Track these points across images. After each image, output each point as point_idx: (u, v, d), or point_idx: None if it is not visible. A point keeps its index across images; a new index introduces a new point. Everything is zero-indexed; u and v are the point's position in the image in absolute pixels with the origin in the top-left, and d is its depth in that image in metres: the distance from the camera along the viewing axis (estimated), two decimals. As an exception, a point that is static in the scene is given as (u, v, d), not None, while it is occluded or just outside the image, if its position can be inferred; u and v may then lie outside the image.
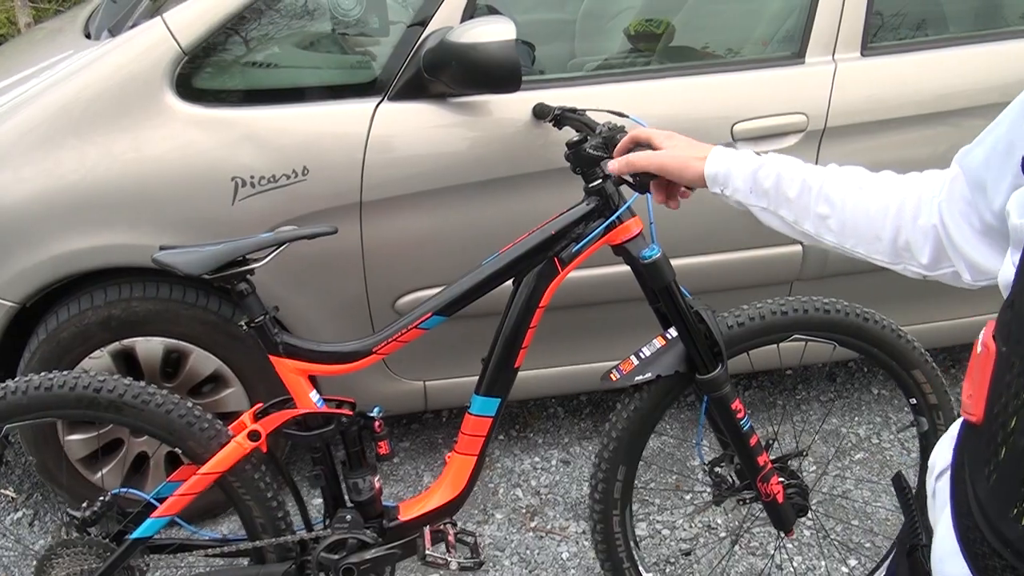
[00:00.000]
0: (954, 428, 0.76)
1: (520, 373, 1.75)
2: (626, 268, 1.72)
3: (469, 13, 2.05)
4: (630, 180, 1.40)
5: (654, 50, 2.34)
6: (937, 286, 2.13)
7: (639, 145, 1.35)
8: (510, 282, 1.70)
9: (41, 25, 3.67)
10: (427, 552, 1.71)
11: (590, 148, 1.60)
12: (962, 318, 2.59)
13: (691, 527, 2.37)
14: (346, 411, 1.68)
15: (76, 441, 2.18)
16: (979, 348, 0.66)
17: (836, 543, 2.30)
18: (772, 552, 2.25)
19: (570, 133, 1.79)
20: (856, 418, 2.80)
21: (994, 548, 0.61)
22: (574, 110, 1.89)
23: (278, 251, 1.61)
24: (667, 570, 2.24)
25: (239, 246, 1.56)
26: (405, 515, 1.76)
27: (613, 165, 1.35)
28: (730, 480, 1.87)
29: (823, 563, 2.24)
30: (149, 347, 2.13)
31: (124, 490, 1.73)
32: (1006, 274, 0.70)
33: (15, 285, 2.02)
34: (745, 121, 2.17)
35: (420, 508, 1.77)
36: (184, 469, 1.70)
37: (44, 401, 1.57)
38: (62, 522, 1.66)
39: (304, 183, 2.03)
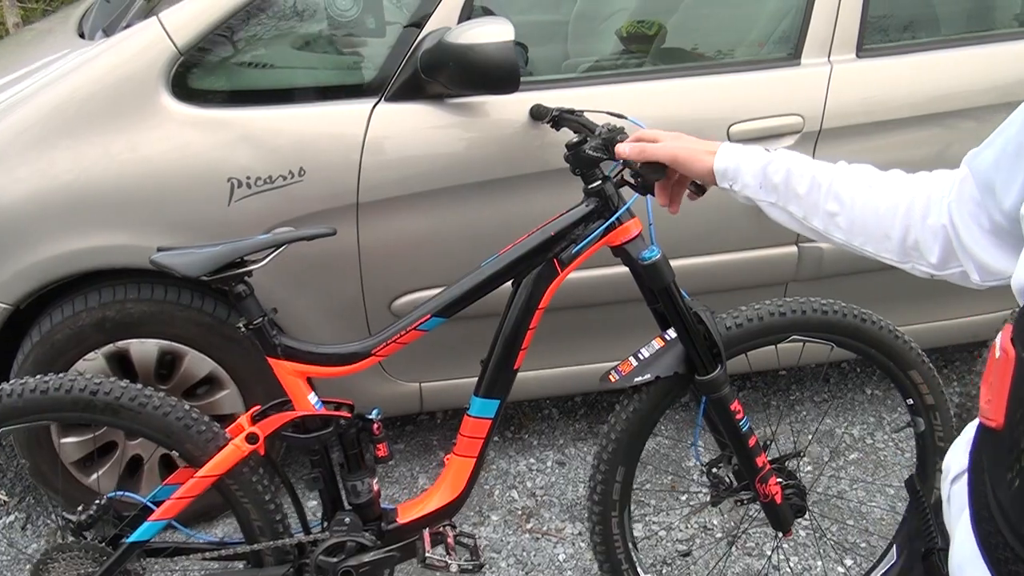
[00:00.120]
0: (968, 431, 0.76)
1: (518, 374, 1.74)
2: (624, 269, 1.72)
3: (466, 14, 2.05)
4: (632, 181, 1.40)
5: (647, 51, 2.34)
6: (931, 287, 2.15)
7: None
8: (509, 283, 1.70)
9: (31, 26, 3.64)
10: (427, 555, 1.71)
11: (589, 149, 1.60)
12: (957, 319, 2.61)
13: (687, 528, 2.37)
14: (345, 413, 1.67)
15: (70, 444, 2.17)
16: (997, 353, 0.66)
17: (832, 543, 2.30)
18: (769, 553, 2.26)
19: (567, 134, 1.79)
20: (850, 418, 2.81)
21: (1017, 553, 0.61)
22: (572, 111, 1.89)
23: (277, 252, 1.60)
24: (664, 571, 2.24)
25: (238, 247, 1.55)
26: (404, 517, 1.76)
27: (625, 149, 1.33)
28: (728, 481, 1.87)
29: (819, 563, 2.24)
30: (143, 349, 2.12)
31: (120, 493, 1.71)
32: (1020, 278, 0.69)
33: (9, 286, 2.00)
34: (741, 123, 2.18)
35: (419, 510, 1.76)
36: (181, 472, 1.68)
37: (40, 404, 1.55)
38: (57, 526, 1.65)
39: (300, 184, 2.02)
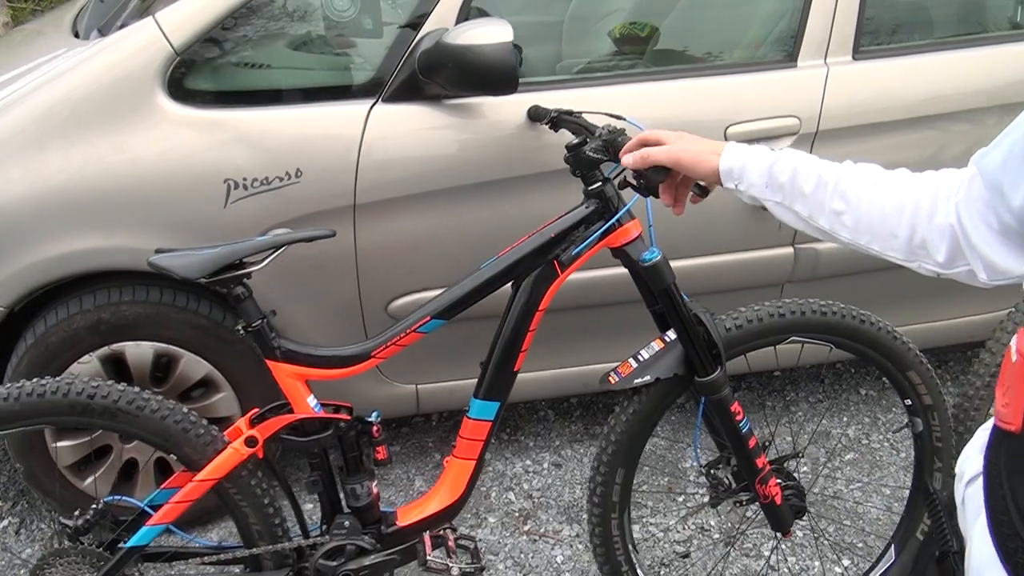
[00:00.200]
0: (981, 434, 0.76)
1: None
2: (621, 270, 1.72)
3: (464, 15, 2.04)
4: (635, 183, 1.40)
5: (641, 53, 2.34)
6: (926, 288, 2.14)
7: (647, 146, 1.34)
8: (509, 285, 1.69)
9: (21, 26, 3.61)
10: (428, 558, 1.70)
11: (590, 151, 1.60)
12: (952, 319, 2.62)
13: (684, 529, 2.37)
14: (344, 416, 1.66)
15: (65, 448, 2.15)
16: (1013, 357, 0.66)
17: (829, 543, 2.31)
18: (768, 553, 2.26)
19: (565, 136, 1.79)
20: (845, 419, 2.82)
21: None
22: (571, 112, 1.89)
23: (276, 254, 1.59)
24: (663, 573, 2.24)
25: (236, 249, 1.54)
26: (403, 520, 1.75)
27: (628, 159, 1.33)
28: (727, 482, 1.87)
29: (817, 563, 2.25)
30: (139, 351, 2.10)
31: (117, 497, 1.69)
32: None
33: (3, 288, 1.98)
34: (738, 124, 2.18)
35: (419, 513, 1.75)
36: (179, 476, 1.67)
37: (37, 408, 1.53)
38: (54, 531, 1.64)
39: (297, 185, 2.01)
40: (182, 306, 2.08)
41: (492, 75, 1.84)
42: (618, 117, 1.79)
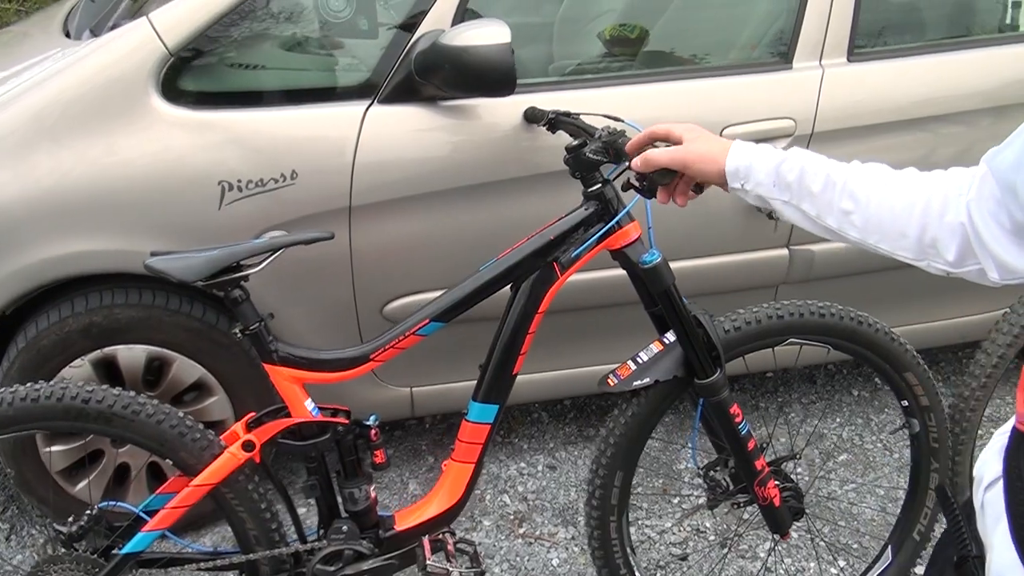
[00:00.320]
0: (998, 438, 0.76)
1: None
2: (619, 271, 1.71)
3: (460, 16, 2.04)
4: (637, 184, 1.39)
5: (632, 55, 2.34)
6: (920, 289, 2.14)
7: (653, 144, 1.33)
8: (508, 288, 1.68)
9: (8, 28, 3.57)
10: (428, 562, 1.68)
11: (590, 152, 1.59)
12: (945, 320, 2.63)
13: (680, 531, 2.36)
14: (342, 420, 1.65)
15: (56, 452, 2.12)
16: None
17: (824, 544, 2.31)
18: (765, 555, 2.26)
19: (562, 137, 1.78)
20: (838, 420, 2.82)
21: None
22: (568, 114, 1.88)
23: (273, 257, 1.57)
24: (659, 575, 2.23)
25: (234, 252, 1.53)
26: (401, 525, 1.74)
27: (637, 162, 1.31)
28: (725, 484, 1.86)
29: (812, 564, 2.25)
30: (131, 355, 2.08)
31: (111, 503, 1.67)
32: None
33: (-6, 292, 1.96)
34: (734, 125, 2.18)
35: (417, 517, 1.74)
36: (174, 481, 1.65)
37: (31, 412, 1.51)
38: (47, 538, 1.61)
39: (292, 187, 1.99)
40: (175, 309, 2.06)
41: (490, 76, 1.83)
42: (615, 119, 1.79)
